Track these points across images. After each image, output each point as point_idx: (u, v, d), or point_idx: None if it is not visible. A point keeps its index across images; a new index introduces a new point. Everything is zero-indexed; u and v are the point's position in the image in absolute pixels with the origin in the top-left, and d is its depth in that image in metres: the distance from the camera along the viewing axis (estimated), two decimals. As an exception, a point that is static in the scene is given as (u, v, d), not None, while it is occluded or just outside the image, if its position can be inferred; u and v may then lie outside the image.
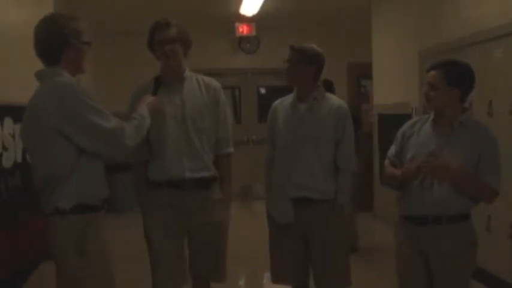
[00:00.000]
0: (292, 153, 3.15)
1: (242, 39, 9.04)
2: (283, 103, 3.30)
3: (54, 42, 2.44)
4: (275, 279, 3.35)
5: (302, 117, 3.18)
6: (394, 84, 6.79)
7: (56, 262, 2.45)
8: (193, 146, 3.09)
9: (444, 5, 5.43)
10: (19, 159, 4.54)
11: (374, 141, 7.40)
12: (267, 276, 3.59)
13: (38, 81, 2.50)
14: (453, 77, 2.74)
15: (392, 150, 3.02)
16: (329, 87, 4.03)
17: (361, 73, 8.11)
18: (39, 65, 2.51)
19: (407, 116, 5.41)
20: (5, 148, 4.31)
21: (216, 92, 3.23)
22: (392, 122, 6.34)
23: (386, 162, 3.04)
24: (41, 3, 5.07)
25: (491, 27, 4.49)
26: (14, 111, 4.33)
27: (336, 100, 3.25)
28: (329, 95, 3.28)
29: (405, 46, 6.39)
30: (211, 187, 3.17)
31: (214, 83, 3.27)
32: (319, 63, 3.18)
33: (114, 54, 8.21)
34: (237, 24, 8.62)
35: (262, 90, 9.95)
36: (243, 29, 8.70)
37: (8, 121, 4.35)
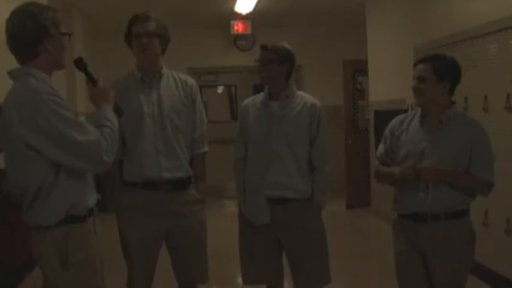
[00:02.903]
0: (266, 153, 3.08)
1: (237, 37, 9.02)
2: (254, 102, 3.24)
3: (32, 32, 2.19)
4: (248, 281, 3.27)
5: (275, 115, 3.11)
6: (390, 80, 6.79)
7: (41, 271, 2.30)
8: (170, 144, 3.02)
9: (439, 1, 5.43)
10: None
11: (370, 137, 7.40)
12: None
13: (12, 80, 2.27)
14: (441, 70, 2.74)
15: (381, 149, 3.00)
16: None
17: (357, 70, 8.11)
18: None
19: (403, 112, 5.41)
20: None
21: (193, 90, 3.17)
22: (388, 118, 6.31)
23: (376, 162, 3.03)
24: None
25: (486, 23, 4.49)
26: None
27: (309, 98, 3.18)
28: (301, 93, 3.22)
29: (400, 42, 6.40)
30: (187, 188, 3.11)
31: (190, 80, 3.21)
32: (291, 61, 3.14)
33: (107, 50, 8.20)
34: (232, 22, 8.60)
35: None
36: (238, 27, 8.68)
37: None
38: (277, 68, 3.09)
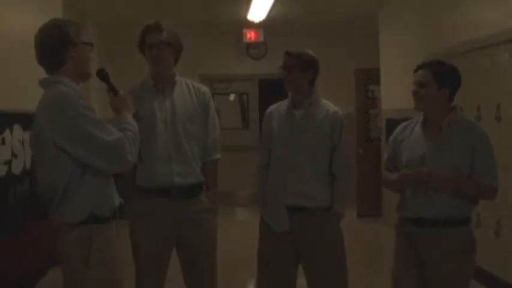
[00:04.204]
0: (288, 161, 3.08)
1: (250, 45, 9.05)
2: (278, 109, 3.23)
3: (57, 41, 2.38)
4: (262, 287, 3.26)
5: (298, 124, 3.11)
6: (402, 89, 6.76)
7: (63, 269, 2.42)
8: (182, 150, 3.04)
9: (451, 10, 5.43)
10: (28, 165, 4.57)
11: (382, 145, 7.39)
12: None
13: (43, 89, 2.45)
14: (441, 76, 2.77)
15: (386, 156, 3.06)
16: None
17: (369, 78, 8.10)
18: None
19: (415, 121, 5.39)
20: (14, 155, 4.34)
21: (206, 97, 3.20)
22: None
23: (384, 168, 3.08)
24: (49, 9, 5.11)
25: (498, 32, 4.48)
26: (23, 118, 4.36)
27: (331, 106, 3.18)
28: (324, 101, 3.21)
29: (412, 51, 6.39)
30: (199, 195, 3.12)
31: (203, 88, 3.25)
32: (315, 69, 3.13)
33: (121, 59, 8.26)
34: (244, 30, 8.62)
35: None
36: (251, 35, 8.69)
37: (17, 128, 4.38)
38: (299, 74, 3.09)
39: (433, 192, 2.74)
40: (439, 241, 2.73)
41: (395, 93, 7.03)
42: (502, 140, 4.44)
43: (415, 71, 2.87)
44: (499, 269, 4.39)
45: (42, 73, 2.51)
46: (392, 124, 7.13)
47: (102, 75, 2.59)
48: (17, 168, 4.39)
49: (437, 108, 2.80)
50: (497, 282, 4.44)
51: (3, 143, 4.18)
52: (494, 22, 4.62)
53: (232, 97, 11.75)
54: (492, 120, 4.56)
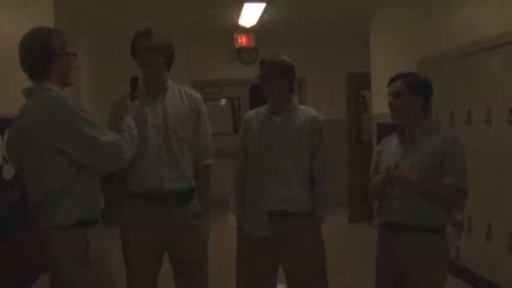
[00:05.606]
0: (268, 167, 3.08)
1: (241, 50, 9.06)
2: (257, 115, 3.23)
3: (40, 53, 2.42)
4: None
5: (277, 130, 3.11)
6: (393, 93, 6.81)
7: (55, 274, 2.41)
8: (174, 155, 3.04)
9: (442, 14, 5.46)
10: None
11: (374, 150, 7.40)
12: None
13: (26, 97, 2.48)
14: (415, 87, 2.86)
15: (371, 168, 3.10)
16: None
17: (360, 83, 8.13)
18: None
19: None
20: (5, 160, 4.31)
21: (198, 102, 3.21)
22: (391, 131, 6.35)
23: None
24: (41, 15, 5.10)
25: (489, 37, 4.51)
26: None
27: (310, 111, 3.19)
28: (303, 107, 3.22)
29: (403, 56, 6.42)
30: (191, 200, 3.12)
31: (195, 94, 3.26)
32: (292, 75, 3.14)
33: (114, 64, 8.24)
34: (236, 35, 8.64)
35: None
36: (242, 40, 8.71)
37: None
38: (278, 82, 3.10)
39: (405, 195, 2.78)
40: (412, 248, 2.77)
41: (386, 98, 7.06)
42: (492, 145, 4.47)
43: (389, 83, 2.96)
44: (491, 273, 4.41)
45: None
46: (383, 129, 7.17)
47: (135, 82, 2.95)
48: (7, 173, 4.36)
49: (412, 118, 2.88)
50: (488, 286, 4.46)
51: (-6, 148, 4.16)
52: (485, 27, 4.65)
53: (223, 102, 11.76)
54: (482, 124, 4.59)
